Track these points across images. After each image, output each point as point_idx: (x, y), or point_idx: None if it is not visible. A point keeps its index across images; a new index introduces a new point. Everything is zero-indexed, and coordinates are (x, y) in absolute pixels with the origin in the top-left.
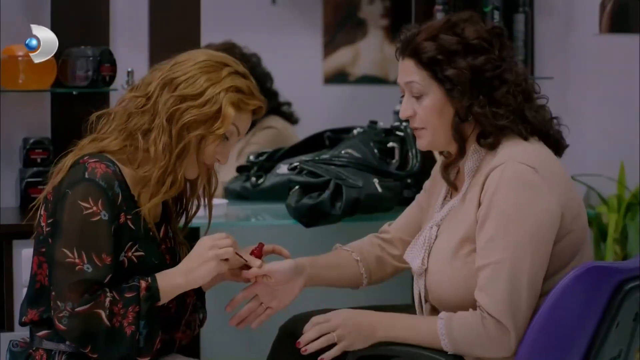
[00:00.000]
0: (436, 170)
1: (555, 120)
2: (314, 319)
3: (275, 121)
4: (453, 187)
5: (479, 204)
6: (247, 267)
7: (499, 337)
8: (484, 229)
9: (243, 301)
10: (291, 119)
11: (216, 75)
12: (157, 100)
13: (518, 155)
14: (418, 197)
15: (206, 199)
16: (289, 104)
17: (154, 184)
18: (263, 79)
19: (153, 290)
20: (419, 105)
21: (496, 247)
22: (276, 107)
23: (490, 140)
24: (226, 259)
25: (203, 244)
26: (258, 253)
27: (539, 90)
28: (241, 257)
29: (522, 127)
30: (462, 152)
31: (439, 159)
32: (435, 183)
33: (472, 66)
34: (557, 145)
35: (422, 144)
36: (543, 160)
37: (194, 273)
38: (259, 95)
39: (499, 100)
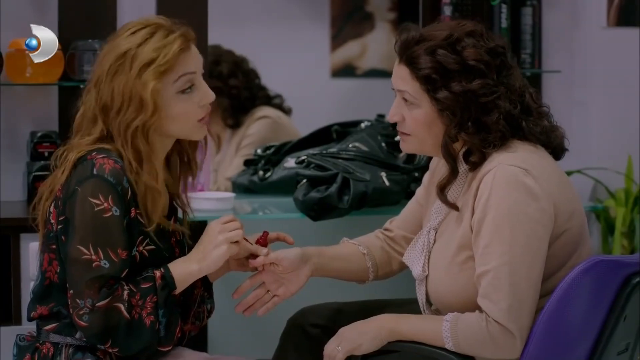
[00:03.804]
0: (434, 164)
1: (559, 129)
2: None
3: (267, 111)
4: (453, 207)
5: (473, 212)
6: (254, 256)
7: (505, 342)
8: (480, 235)
9: (250, 288)
10: (283, 109)
11: (123, 71)
12: (113, 132)
13: (508, 159)
14: (418, 192)
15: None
16: (280, 96)
17: (145, 195)
18: (250, 76)
19: (168, 279)
20: (409, 113)
21: (494, 252)
22: (266, 100)
23: (473, 160)
24: (236, 242)
25: (212, 230)
26: (263, 241)
27: (540, 101)
28: (248, 242)
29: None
30: (454, 172)
31: None
32: (433, 177)
33: (466, 90)
34: (555, 151)
35: (406, 147)
36: (533, 162)
37: (207, 259)
38: (172, 34)
39: (489, 126)
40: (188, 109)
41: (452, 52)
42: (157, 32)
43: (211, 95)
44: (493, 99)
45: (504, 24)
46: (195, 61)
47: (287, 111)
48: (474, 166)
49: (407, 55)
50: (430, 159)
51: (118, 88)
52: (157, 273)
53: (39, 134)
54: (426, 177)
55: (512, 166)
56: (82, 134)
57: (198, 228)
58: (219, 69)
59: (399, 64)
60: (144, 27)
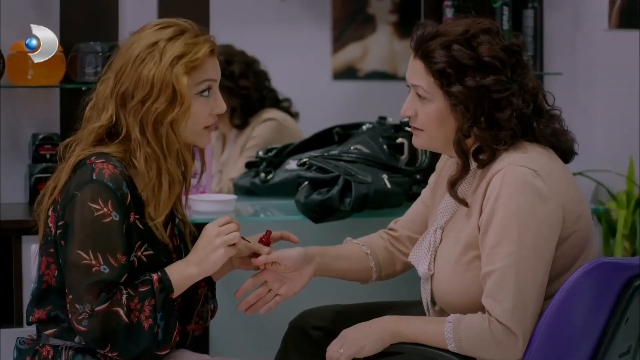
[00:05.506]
0: (441, 165)
1: (569, 133)
2: (329, 352)
3: (273, 113)
4: (462, 203)
5: (481, 211)
6: (256, 255)
7: (507, 343)
8: (487, 235)
9: (252, 288)
10: (290, 112)
11: (152, 60)
12: (127, 122)
13: (517, 159)
14: (423, 193)
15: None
16: (288, 100)
17: (152, 194)
18: (261, 77)
19: (165, 282)
20: (422, 108)
21: (501, 252)
22: (274, 102)
23: (483, 157)
24: (234, 244)
25: (209, 233)
26: (266, 240)
27: (552, 102)
28: (247, 241)
29: (525, 141)
30: (466, 167)
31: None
32: (439, 178)
33: (479, 86)
34: (565, 154)
35: (418, 143)
36: (543, 163)
37: (205, 262)
38: (201, 36)
39: (501, 122)
40: (201, 112)
41: (468, 48)
42: (187, 32)
43: (223, 107)
44: (506, 95)
45: (506, 26)
46: (217, 69)
47: (294, 115)
48: (484, 164)
49: (422, 49)
50: (434, 160)
51: (147, 76)
52: (155, 276)
53: (40, 136)
54: (432, 178)
55: (521, 167)
56: (89, 124)
57: (198, 230)
58: (230, 68)
59: (414, 59)
60: (172, 25)
